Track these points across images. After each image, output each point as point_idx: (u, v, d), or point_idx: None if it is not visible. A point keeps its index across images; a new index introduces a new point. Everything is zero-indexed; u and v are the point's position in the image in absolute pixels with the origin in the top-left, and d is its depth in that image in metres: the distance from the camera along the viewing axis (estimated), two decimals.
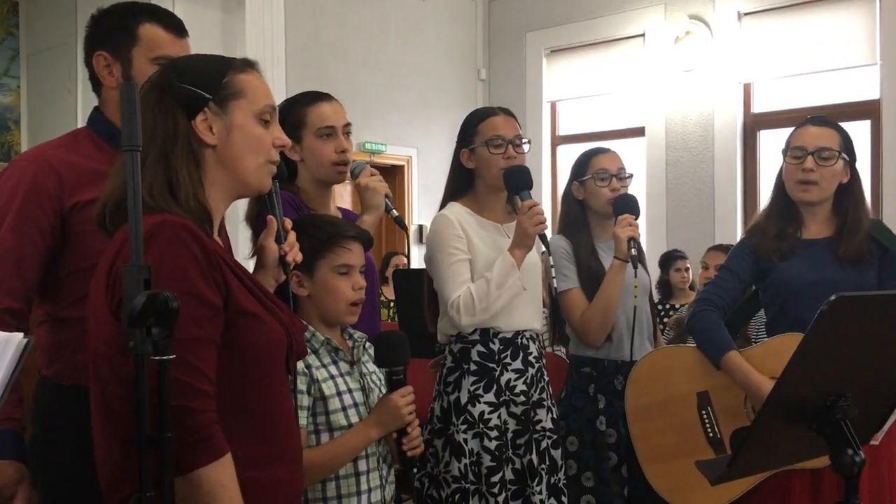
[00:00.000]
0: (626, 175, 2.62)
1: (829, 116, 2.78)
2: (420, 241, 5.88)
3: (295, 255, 1.69)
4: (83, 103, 5.62)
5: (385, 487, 1.90)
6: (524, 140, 2.36)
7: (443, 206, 2.43)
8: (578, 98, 6.14)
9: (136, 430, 1.24)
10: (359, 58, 5.78)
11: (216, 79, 1.41)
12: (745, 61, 5.27)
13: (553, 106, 6.27)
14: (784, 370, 1.29)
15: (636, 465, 2.54)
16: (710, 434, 2.36)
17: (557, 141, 6.29)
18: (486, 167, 2.34)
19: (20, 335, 0.84)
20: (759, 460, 1.44)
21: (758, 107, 5.37)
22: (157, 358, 1.04)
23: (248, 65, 1.45)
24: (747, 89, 5.36)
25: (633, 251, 2.44)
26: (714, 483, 1.35)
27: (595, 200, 2.60)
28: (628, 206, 2.52)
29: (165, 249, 1.27)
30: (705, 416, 2.37)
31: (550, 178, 6.26)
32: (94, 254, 1.67)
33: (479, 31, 6.50)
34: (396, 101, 5.99)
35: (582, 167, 2.63)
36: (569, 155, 6.23)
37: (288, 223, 1.70)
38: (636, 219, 2.51)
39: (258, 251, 1.69)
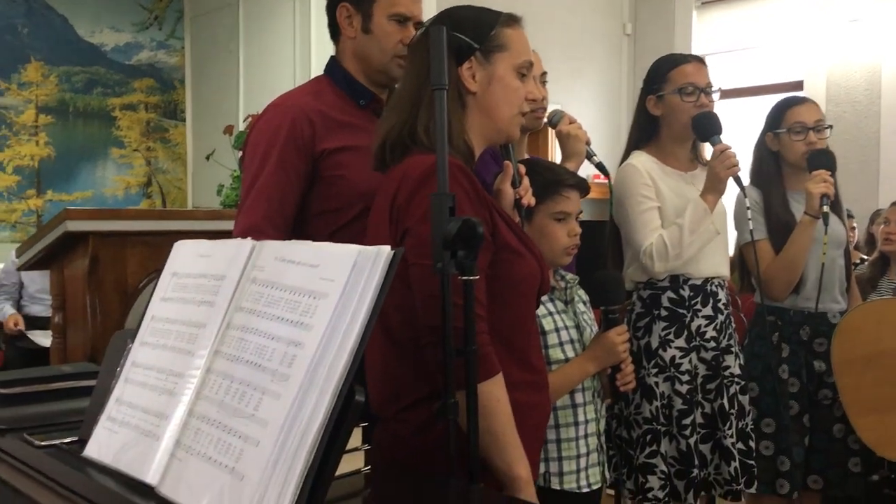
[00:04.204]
0: (825, 126, 2.57)
1: None
2: None
3: (529, 198, 1.77)
4: (245, 63, 5.89)
5: (598, 421, 1.99)
6: (715, 89, 2.36)
7: (626, 154, 2.47)
8: (731, 51, 5.96)
9: (416, 348, 1.37)
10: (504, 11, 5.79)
11: (485, 30, 1.49)
12: None
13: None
14: None
15: (820, 415, 2.55)
16: None
17: None
18: (675, 115, 2.36)
19: (388, 248, 0.94)
20: None
21: None
22: (463, 278, 1.14)
23: (514, 20, 1.54)
24: None
25: (826, 208, 2.42)
26: None
27: (790, 154, 2.57)
28: (824, 161, 2.48)
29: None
30: None
31: None
32: (336, 198, 1.82)
33: None
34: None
35: (777, 118, 2.60)
36: (719, 110, 6.08)
37: (522, 168, 1.78)
38: (832, 174, 2.47)
39: (494, 195, 1.78)
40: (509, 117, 1.53)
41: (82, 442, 1.18)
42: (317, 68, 5.08)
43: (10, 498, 1.25)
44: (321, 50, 5.18)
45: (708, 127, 2.30)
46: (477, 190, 1.41)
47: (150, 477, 1.01)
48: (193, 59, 6.39)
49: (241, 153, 4.42)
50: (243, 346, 1.00)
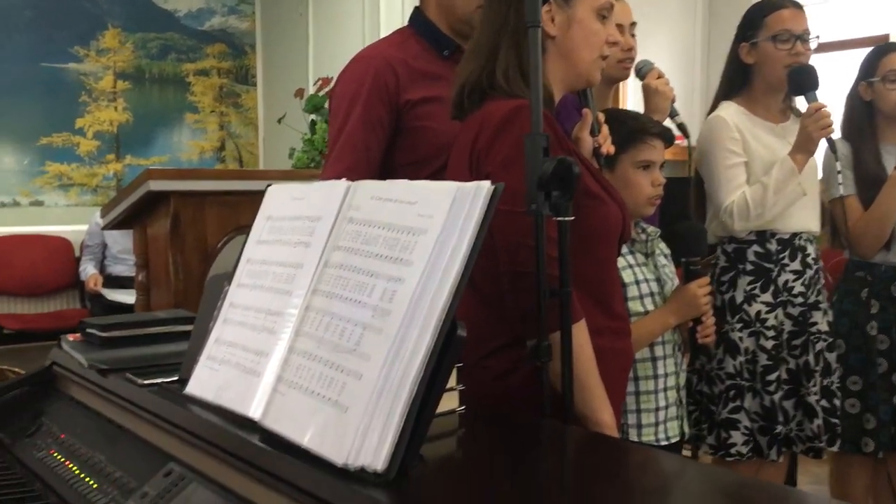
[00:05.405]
0: None
1: None
2: None
3: (608, 146, 1.74)
4: (314, 26, 5.92)
5: (678, 374, 1.97)
6: (813, 36, 2.28)
7: (715, 104, 2.40)
8: (812, 4, 5.73)
9: (497, 295, 1.37)
10: None
11: None
12: None
13: None
14: None
15: None
16: None
17: None
18: (769, 63, 2.27)
19: (487, 183, 0.93)
20: None
21: None
22: (558, 219, 1.13)
23: None
24: None
25: None
26: None
27: (885, 104, 2.48)
28: None
29: (524, 132, 1.36)
30: None
31: None
32: (420, 149, 1.82)
33: None
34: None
35: (871, 66, 2.51)
36: None
37: (601, 116, 1.75)
38: None
39: (573, 143, 1.76)
40: (590, 61, 1.51)
41: (183, 381, 1.21)
42: (385, 30, 5.08)
43: (115, 435, 1.30)
44: (390, 11, 5.17)
45: (804, 82, 2.21)
46: (558, 135, 1.40)
47: (253, 411, 1.03)
48: (264, 24, 6.46)
49: (311, 117, 4.47)
50: (342, 284, 1.01)
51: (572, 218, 1.16)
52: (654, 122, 1.96)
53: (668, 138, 1.93)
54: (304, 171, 3.66)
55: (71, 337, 1.55)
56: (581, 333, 1.35)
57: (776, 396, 2.21)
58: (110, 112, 5.92)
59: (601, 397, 1.39)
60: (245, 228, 3.08)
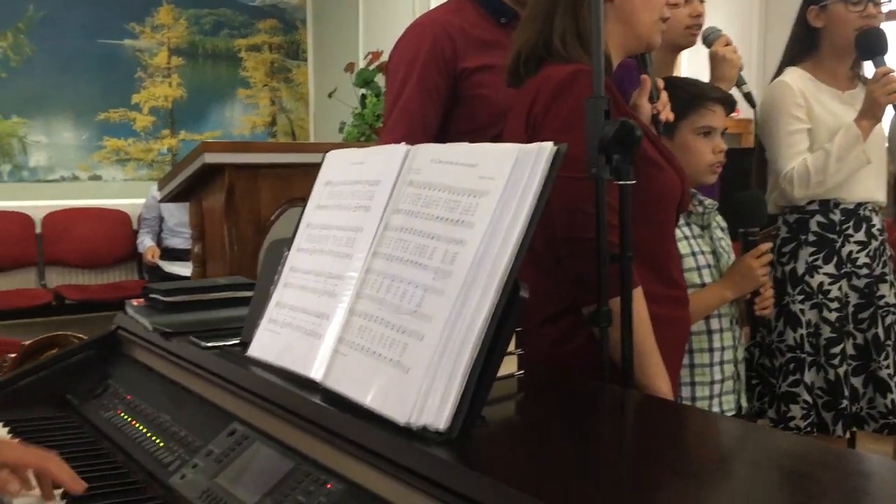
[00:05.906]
0: None
1: None
2: None
3: (667, 113, 1.71)
4: (364, 0, 5.92)
5: (736, 348, 1.94)
6: None
7: (779, 71, 2.34)
8: None
9: (553, 261, 1.36)
10: None
11: None
12: None
13: None
14: None
15: None
16: None
17: None
18: (838, 26, 2.21)
19: (550, 144, 0.93)
20: None
21: None
22: (620, 183, 1.12)
23: None
24: None
25: None
26: None
27: None
28: None
29: (582, 97, 1.35)
30: None
31: None
32: (478, 117, 1.81)
33: None
34: None
35: None
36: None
37: (660, 83, 1.72)
38: None
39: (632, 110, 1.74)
40: (650, 23, 1.49)
41: (244, 344, 1.23)
42: (436, 2, 5.06)
43: (180, 395, 1.33)
44: None
45: (873, 45, 2.14)
46: (616, 101, 1.38)
47: (315, 372, 1.04)
48: None
49: (361, 91, 4.47)
50: (403, 247, 1.01)
51: (634, 182, 1.14)
52: (714, 88, 1.92)
53: (728, 104, 1.89)
54: (355, 143, 3.68)
55: (135, 302, 1.58)
56: (638, 300, 1.34)
57: (841, 370, 2.16)
58: (165, 88, 6.01)
59: (657, 364, 1.38)
60: (298, 200, 3.10)
